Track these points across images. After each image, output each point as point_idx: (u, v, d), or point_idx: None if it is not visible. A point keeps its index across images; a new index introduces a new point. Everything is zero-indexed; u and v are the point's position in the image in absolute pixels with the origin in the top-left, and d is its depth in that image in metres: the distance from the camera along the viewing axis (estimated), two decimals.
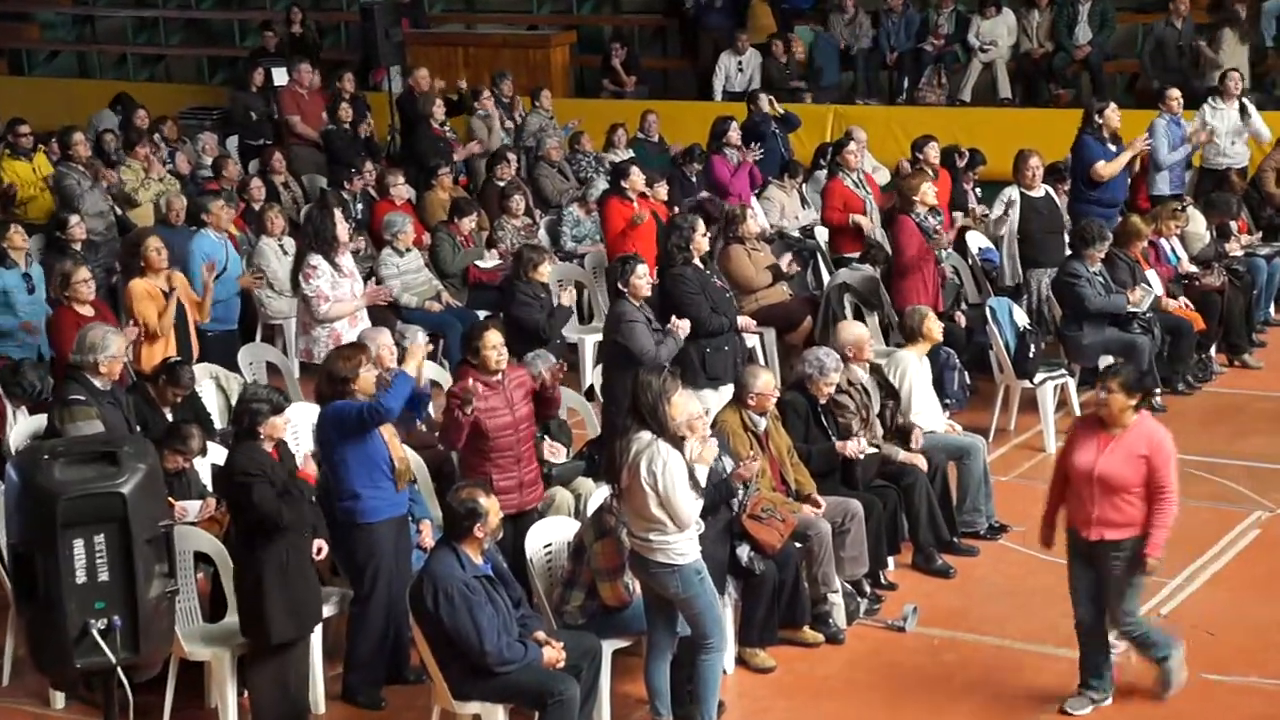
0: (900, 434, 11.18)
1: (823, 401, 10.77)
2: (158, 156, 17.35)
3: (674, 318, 11.69)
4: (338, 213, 12.98)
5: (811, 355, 10.85)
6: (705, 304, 12.08)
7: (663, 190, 15.50)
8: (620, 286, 11.55)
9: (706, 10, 23.13)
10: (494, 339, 9.91)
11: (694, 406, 8.97)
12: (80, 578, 7.03)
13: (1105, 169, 15.19)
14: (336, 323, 12.65)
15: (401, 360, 10.02)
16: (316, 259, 12.65)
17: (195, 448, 10.19)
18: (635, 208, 14.87)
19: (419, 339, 10.85)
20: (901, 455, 11.02)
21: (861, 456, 10.71)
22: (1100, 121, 15.36)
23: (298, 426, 10.81)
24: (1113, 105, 15.63)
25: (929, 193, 13.65)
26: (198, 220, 14.02)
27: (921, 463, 11.00)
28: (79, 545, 7.03)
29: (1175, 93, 16.70)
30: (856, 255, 14.76)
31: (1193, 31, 19.96)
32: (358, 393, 9.26)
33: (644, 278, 11.58)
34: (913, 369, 11.60)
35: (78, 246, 14.05)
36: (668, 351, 11.34)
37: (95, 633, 7.07)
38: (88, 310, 11.85)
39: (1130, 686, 9.39)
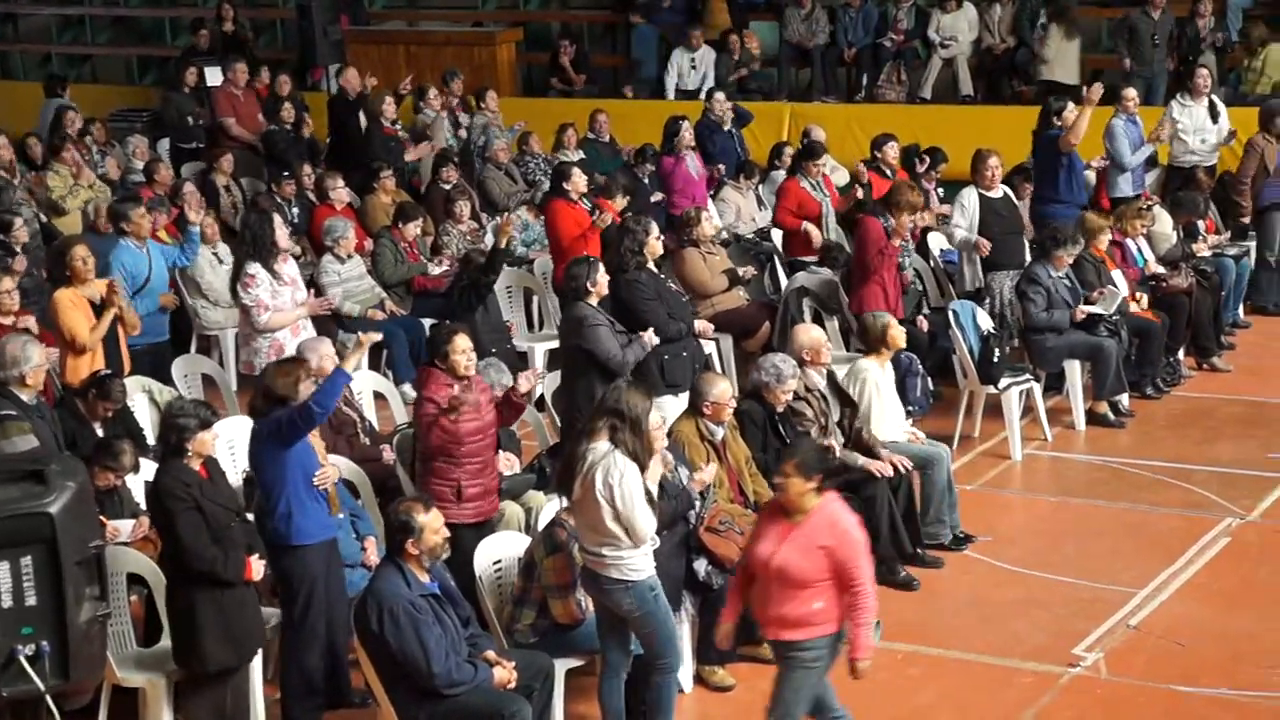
0: (859, 444, 10.96)
1: (780, 410, 10.56)
2: (87, 161, 16.91)
3: (650, 331, 11.56)
4: (277, 219, 12.73)
5: (767, 363, 10.62)
6: (662, 310, 12.00)
7: (622, 201, 15.15)
8: (589, 287, 11.35)
9: (657, 6, 22.82)
10: (463, 344, 9.87)
11: (653, 418, 8.75)
12: (6, 602, 6.90)
13: (1072, 134, 14.81)
14: (278, 332, 12.43)
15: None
16: (254, 267, 12.42)
17: (127, 464, 9.95)
18: (585, 209, 14.51)
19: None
20: (861, 462, 10.76)
21: None
22: (1059, 122, 15.02)
23: (234, 442, 10.61)
24: (1071, 104, 15.28)
25: (908, 222, 13.30)
26: (118, 229, 13.37)
27: (886, 468, 10.74)
28: (4, 569, 6.89)
29: (1131, 92, 16.55)
30: (812, 259, 14.55)
31: (1171, 23, 19.83)
32: None
33: (605, 277, 11.53)
34: (874, 377, 11.35)
35: (19, 250, 13.68)
36: (634, 355, 11.27)
37: (23, 659, 6.94)
38: (9, 320, 11.56)
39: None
